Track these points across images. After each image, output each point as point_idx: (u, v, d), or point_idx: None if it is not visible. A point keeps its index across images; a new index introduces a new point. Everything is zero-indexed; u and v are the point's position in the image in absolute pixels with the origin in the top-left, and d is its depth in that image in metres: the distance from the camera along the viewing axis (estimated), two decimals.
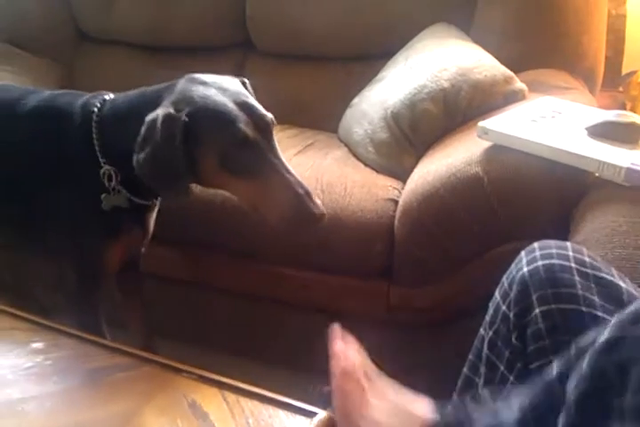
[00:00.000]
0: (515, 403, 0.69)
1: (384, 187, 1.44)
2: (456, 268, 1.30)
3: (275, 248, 1.46)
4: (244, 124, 1.05)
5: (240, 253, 1.52)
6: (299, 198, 1.05)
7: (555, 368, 0.68)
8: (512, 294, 0.84)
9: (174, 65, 2.21)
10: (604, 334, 0.61)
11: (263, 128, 1.09)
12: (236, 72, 2.14)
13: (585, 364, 0.61)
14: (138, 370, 0.88)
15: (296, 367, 1.39)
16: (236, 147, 1.05)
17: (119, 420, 0.77)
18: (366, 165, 1.58)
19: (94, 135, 1.16)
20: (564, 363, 0.67)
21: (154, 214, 1.30)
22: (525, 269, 0.83)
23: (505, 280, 0.88)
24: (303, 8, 1.97)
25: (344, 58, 2.00)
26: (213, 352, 1.48)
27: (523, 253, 0.87)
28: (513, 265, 0.87)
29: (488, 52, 1.61)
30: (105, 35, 2.32)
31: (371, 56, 1.92)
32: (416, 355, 1.40)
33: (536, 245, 0.86)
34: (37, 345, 0.91)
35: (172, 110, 1.04)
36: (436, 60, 1.56)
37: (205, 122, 1.05)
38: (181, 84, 1.10)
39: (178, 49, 2.22)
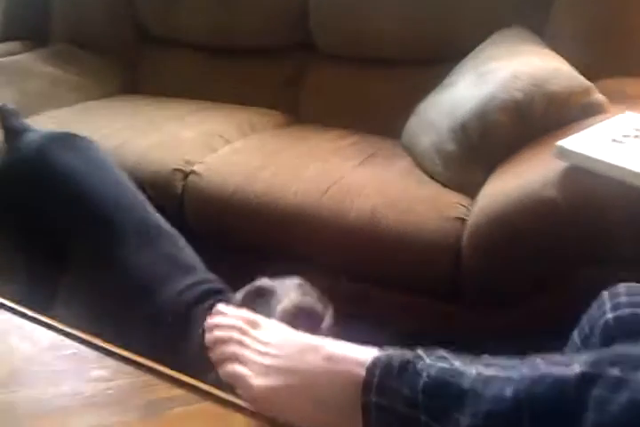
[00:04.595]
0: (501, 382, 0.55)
1: (450, 204, 1.38)
2: (527, 293, 1.25)
3: (337, 259, 1.43)
4: None
5: (300, 263, 1.49)
6: None
7: (576, 364, 0.54)
8: (593, 340, 0.78)
9: (236, 66, 2.21)
10: None
11: None
12: (297, 74, 2.12)
13: (628, 394, 0.50)
14: (197, 405, 0.85)
15: None
16: None
17: None
18: (432, 177, 1.52)
19: None
20: (593, 363, 0.54)
21: None
22: (610, 316, 0.77)
23: (585, 324, 0.82)
24: (368, 10, 1.92)
25: (409, 61, 1.94)
26: None
27: (606, 295, 0.81)
28: (595, 307, 0.81)
29: (563, 57, 1.52)
30: (167, 35, 2.32)
31: (438, 60, 1.85)
32: None
33: (622, 289, 0.80)
34: (100, 372, 0.90)
35: None
36: (507, 67, 1.48)
37: None
38: None
39: (240, 50, 2.21)
